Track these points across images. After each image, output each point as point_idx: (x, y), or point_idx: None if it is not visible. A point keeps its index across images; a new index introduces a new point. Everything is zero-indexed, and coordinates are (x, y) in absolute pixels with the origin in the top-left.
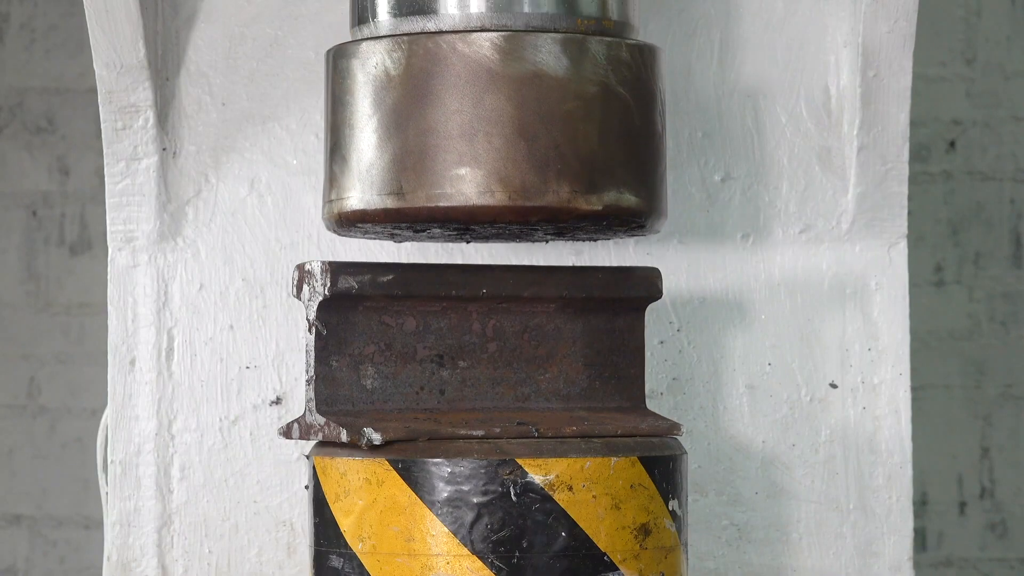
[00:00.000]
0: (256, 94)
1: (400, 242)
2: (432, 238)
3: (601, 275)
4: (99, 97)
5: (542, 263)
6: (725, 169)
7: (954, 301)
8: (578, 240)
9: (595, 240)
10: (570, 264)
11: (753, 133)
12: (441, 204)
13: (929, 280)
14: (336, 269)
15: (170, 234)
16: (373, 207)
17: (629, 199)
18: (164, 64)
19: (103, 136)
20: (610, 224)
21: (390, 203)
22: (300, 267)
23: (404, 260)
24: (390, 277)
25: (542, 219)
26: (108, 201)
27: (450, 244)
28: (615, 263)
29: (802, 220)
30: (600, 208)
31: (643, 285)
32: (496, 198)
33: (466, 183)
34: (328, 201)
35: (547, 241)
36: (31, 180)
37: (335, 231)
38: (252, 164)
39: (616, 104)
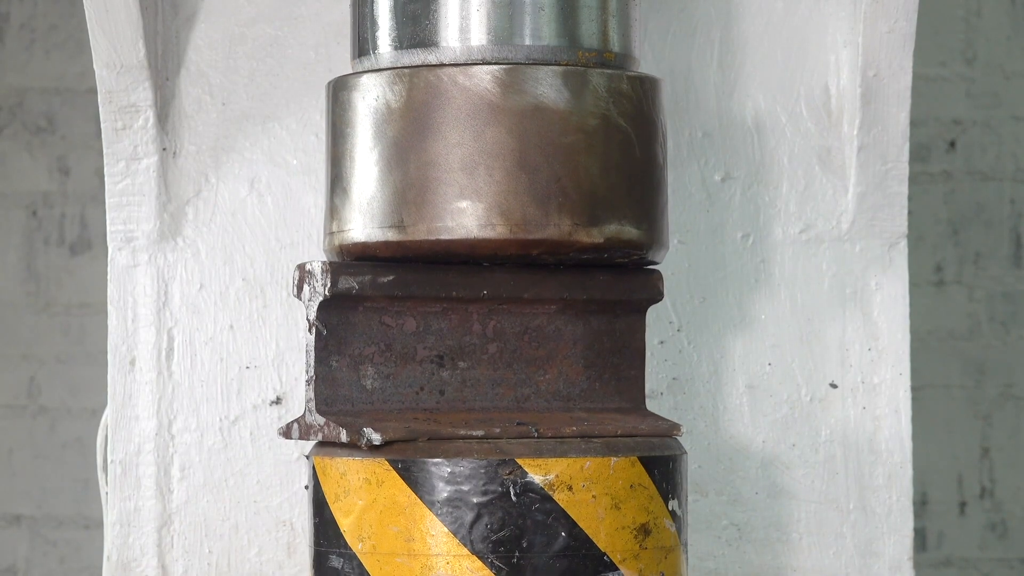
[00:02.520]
0: (256, 94)
1: None
2: None
3: (602, 277)
4: (99, 97)
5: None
6: (725, 169)
7: (954, 301)
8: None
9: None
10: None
11: (753, 133)
12: (443, 237)
13: (929, 280)
14: (337, 269)
15: (170, 234)
16: (375, 240)
17: (630, 231)
18: (164, 64)
19: (103, 136)
20: (611, 256)
21: (391, 236)
22: (301, 267)
23: None
24: (390, 278)
25: (543, 251)
26: (108, 201)
27: None
28: None
29: (802, 220)
30: (601, 240)
31: (644, 287)
32: (497, 231)
33: (467, 216)
34: (329, 233)
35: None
36: (31, 180)
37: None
38: (252, 164)
39: (617, 136)
